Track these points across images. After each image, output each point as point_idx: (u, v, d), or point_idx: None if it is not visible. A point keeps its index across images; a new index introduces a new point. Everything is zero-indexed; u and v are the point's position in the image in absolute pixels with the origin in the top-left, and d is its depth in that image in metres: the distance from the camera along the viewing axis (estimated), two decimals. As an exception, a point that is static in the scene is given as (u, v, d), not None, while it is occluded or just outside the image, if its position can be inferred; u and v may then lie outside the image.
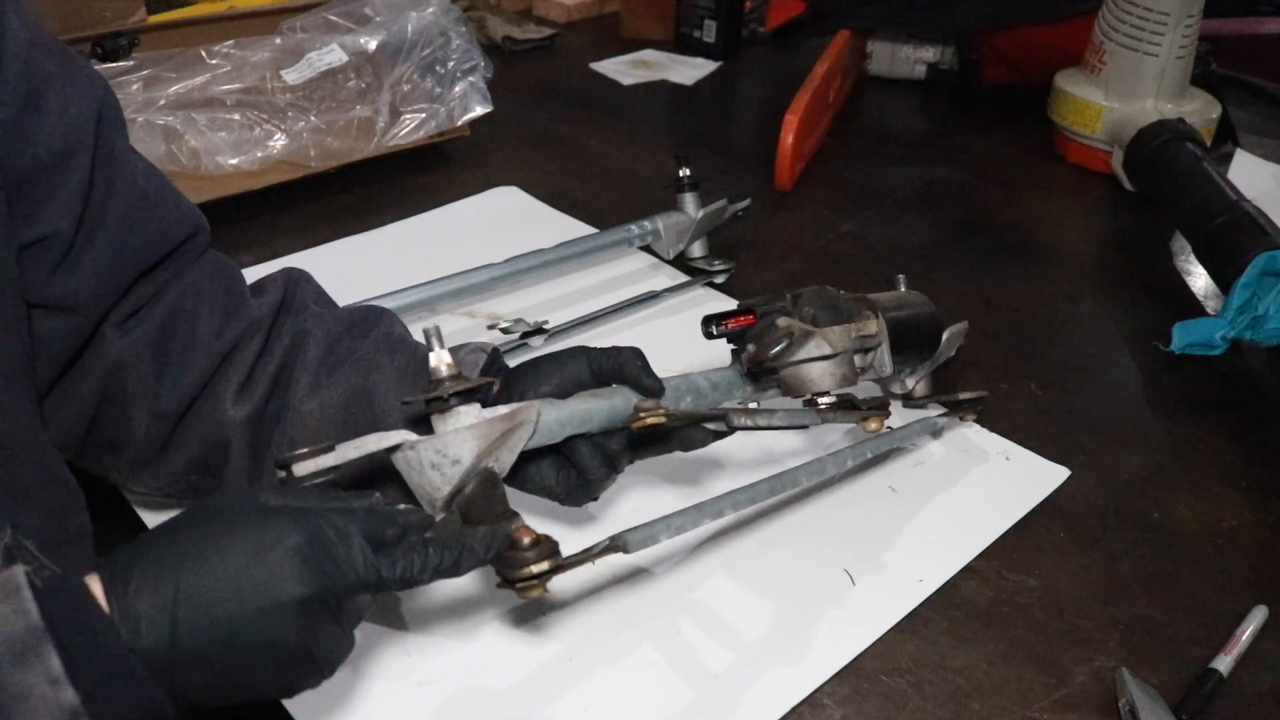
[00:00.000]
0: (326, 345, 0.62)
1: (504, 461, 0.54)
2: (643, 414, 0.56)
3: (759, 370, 0.67)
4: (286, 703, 0.57)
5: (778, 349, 0.65)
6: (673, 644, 0.61)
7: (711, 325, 0.71)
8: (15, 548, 0.45)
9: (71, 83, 0.53)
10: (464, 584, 0.65)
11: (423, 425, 0.54)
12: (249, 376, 0.60)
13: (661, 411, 0.56)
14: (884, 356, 0.70)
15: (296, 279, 0.66)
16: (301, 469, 0.48)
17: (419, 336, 0.87)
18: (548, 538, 0.49)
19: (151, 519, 0.67)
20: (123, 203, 0.55)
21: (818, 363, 0.66)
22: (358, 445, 0.50)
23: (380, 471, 0.59)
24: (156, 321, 0.58)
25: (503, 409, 0.54)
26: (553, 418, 0.56)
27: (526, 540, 0.49)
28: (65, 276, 0.52)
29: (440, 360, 0.52)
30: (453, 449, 0.51)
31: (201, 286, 0.60)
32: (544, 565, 0.48)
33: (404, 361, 0.61)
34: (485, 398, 0.55)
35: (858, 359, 0.69)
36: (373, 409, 0.60)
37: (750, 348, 0.67)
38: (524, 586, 0.49)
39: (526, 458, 0.58)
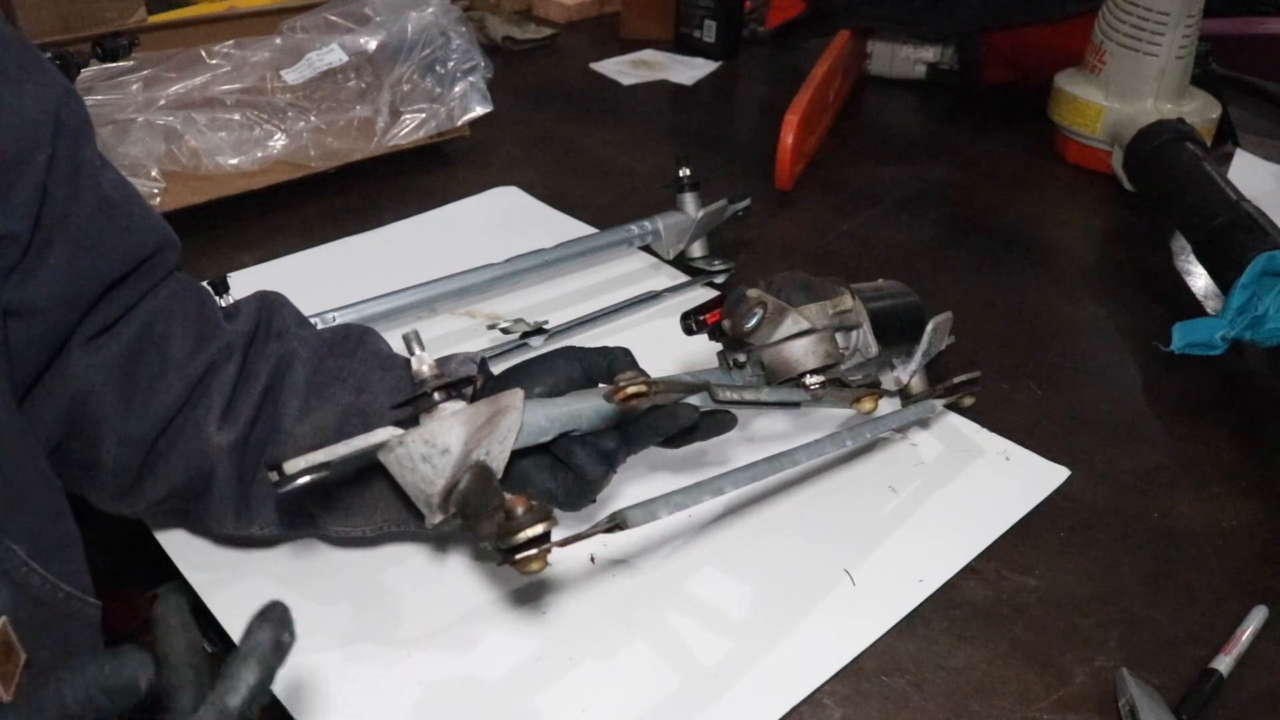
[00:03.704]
0: (313, 367, 0.61)
1: (496, 455, 0.54)
2: (623, 384, 0.55)
3: (738, 349, 0.66)
4: (285, 701, 0.57)
5: (753, 320, 0.65)
6: (672, 643, 0.61)
7: (690, 320, 0.71)
8: (2, 552, 0.43)
9: (30, 82, 0.51)
10: (461, 582, 0.65)
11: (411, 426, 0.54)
12: (231, 401, 0.59)
13: (642, 380, 0.55)
14: (867, 337, 0.70)
15: (272, 303, 0.65)
16: (292, 466, 0.48)
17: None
18: (541, 504, 0.49)
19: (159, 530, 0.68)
20: (86, 209, 0.54)
21: (798, 340, 0.66)
22: (347, 444, 0.50)
23: (372, 478, 0.59)
24: (125, 342, 0.57)
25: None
26: (541, 414, 0.56)
27: (520, 508, 0.49)
28: (25, 280, 0.51)
29: (422, 362, 0.53)
30: (440, 437, 0.51)
31: (173, 308, 0.59)
32: (539, 528, 0.48)
33: (395, 379, 0.61)
34: (471, 395, 0.55)
35: (839, 338, 0.69)
36: (367, 427, 0.59)
37: (725, 322, 0.66)
38: (524, 558, 0.48)
39: (522, 459, 0.58)
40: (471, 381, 0.55)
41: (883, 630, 0.63)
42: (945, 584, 0.66)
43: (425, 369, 0.53)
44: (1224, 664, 0.61)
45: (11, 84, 0.50)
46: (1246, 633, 0.63)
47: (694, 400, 0.62)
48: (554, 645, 0.61)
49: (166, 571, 0.66)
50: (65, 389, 0.55)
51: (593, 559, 0.66)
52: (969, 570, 0.68)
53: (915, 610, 0.64)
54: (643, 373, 0.60)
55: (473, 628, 0.62)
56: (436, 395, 0.53)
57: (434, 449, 0.51)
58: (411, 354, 0.54)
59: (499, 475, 0.54)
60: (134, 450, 0.58)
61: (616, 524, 0.53)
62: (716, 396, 0.61)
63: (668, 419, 0.61)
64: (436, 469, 0.52)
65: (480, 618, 0.62)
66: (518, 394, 0.55)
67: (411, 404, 0.54)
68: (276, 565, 0.65)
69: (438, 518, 0.53)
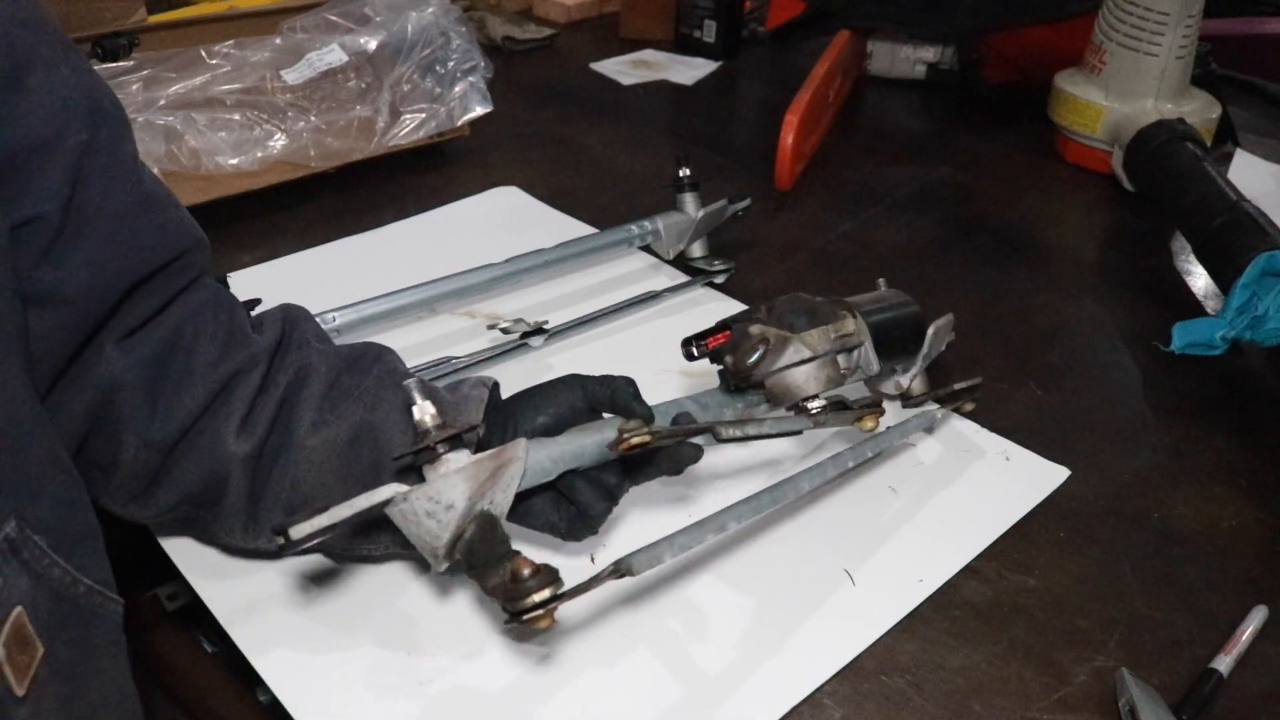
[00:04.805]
0: (329, 381, 0.61)
1: (500, 502, 0.54)
2: (627, 434, 0.55)
3: (741, 382, 0.67)
4: (286, 701, 0.57)
5: (755, 356, 0.65)
6: (671, 645, 0.61)
7: (691, 346, 0.71)
8: (21, 541, 0.43)
9: (65, 68, 0.51)
10: (464, 590, 0.65)
11: (415, 476, 0.54)
12: (251, 410, 0.59)
13: (645, 430, 0.56)
14: (869, 355, 0.70)
15: (295, 316, 0.65)
16: (298, 531, 0.48)
17: (418, 336, 0.87)
18: (547, 566, 0.49)
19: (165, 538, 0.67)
20: (122, 201, 0.54)
21: (800, 367, 0.66)
22: (351, 505, 0.50)
23: (378, 524, 0.59)
24: (155, 344, 0.57)
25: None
26: (544, 455, 0.57)
27: (527, 571, 0.49)
28: (55, 265, 0.51)
29: (424, 412, 0.53)
30: (445, 495, 0.51)
31: (204, 315, 0.60)
32: (545, 593, 0.48)
33: (408, 397, 0.61)
34: (474, 441, 0.55)
35: (841, 359, 0.69)
36: (378, 444, 0.59)
37: (728, 359, 0.66)
38: (530, 618, 0.49)
39: (526, 495, 0.58)
40: (475, 429, 0.55)
41: (883, 630, 0.63)
42: (945, 584, 0.66)
43: (428, 419, 0.53)
44: (1224, 664, 0.61)
45: (45, 67, 0.50)
46: (1246, 633, 0.63)
47: (697, 440, 0.62)
48: (554, 649, 0.61)
49: (167, 572, 0.66)
50: (94, 385, 0.55)
51: (593, 559, 0.67)
52: (969, 570, 0.68)
53: (915, 610, 0.64)
54: (645, 408, 0.60)
55: (474, 632, 0.62)
56: (440, 447, 0.52)
57: (438, 505, 0.51)
58: (413, 403, 0.53)
59: (503, 518, 0.54)
60: (153, 453, 0.58)
61: (621, 571, 0.53)
62: (720, 436, 0.61)
63: (670, 460, 0.62)
64: (441, 523, 0.52)
65: (481, 622, 0.62)
66: (521, 444, 0.55)
67: (414, 456, 0.53)
68: (280, 568, 0.65)
69: (443, 566, 0.53)
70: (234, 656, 0.61)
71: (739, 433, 0.62)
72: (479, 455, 0.53)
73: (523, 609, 0.48)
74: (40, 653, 0.44)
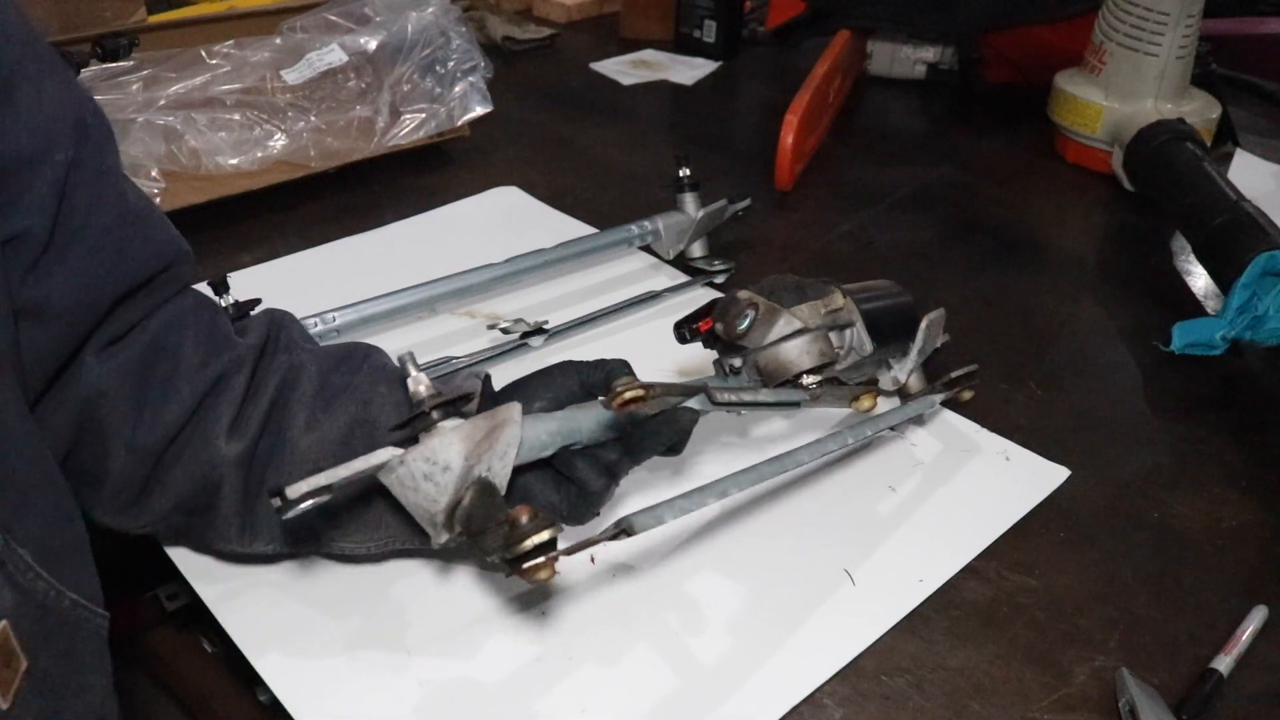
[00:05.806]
0: (320, 380, 0.61)
1: (498, 471, 0.54)
2: (619, 389, 0.55)
3: (732, 351, 0.66)
4: (286, 701, 0.57)
5: (745, 322, 0.65)
6: (671, 643, 0.61)
7: (683, 329, 0.71)
8: (7, 554, 0.43)
9: (51, 83, 0.51)
10: (462, 587, 0.65)
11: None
12: (240, 412, 0.59)
13: (639, 384, 0.55)
14: (861, 335, 0.70)
15: (280, 320, 0.65)
16: (294, 490, 0.48)
17: (418, 336, 0.87)
18: (545, 512, 0.49)
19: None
20: (108, 216, 0.54)
21: (792, 341, 0.66)
22: (348, 465, 0.50)
23: (375, 495, 0.59)
24: (137, 351, 0.57)
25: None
26: (541, 429, 0.57)
27: (525, 517, 0.48)
28: (42, 280, 0.51)
29: (419, 383, 0.53)
30: (441, 454, 0.51)
31: (185, 321, 0.59)
32: (544, 535, 0.48)
33: (401, 393, 0.61)
34: (471, 414, 0.55)
35: (834, 337, 0.69)
36: (373, 439, 0.59)
37: (718, 326, 0.66)
38: (531, 566, 0.48)
39: (524, 474, 0.58)
40: (470, 398, 0.55)
41: (883, 630, 0.63)
42: (945, 584, 0.66)
43: (422, 389, 0.53)
44: (1224, 664, 0.61)
45: (31, 82, 0.50)
46: (1246, 633, 0.63)
47: (692, 404, 0.62)
48: (554, 647, 0.61)
49: (166, 572, 0.66)
50: (77, 396, 0.55)
51: (593, 559, 0.66)
52: (969, 570, 0.68)
53: (915, 610, 0.64)
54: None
55: (474, 631, 0.62)
56: (434, 414, 0.53)
57: (435, 466, 0.51)
58: (408, 374, 0.53)
59: (501, 491, 0.54)
60: (141, 460, 0.57)
61: (623, 530, 0.53)
62: (715, 399, 0.61)
63: (668, 425, 0.61)
64: (439, 486, 0.51)
65: (481, 621, 0.62)
66: (515, 408, 0.55)
67: (410, 425, 0.53)
68: (280, 569, 0.65)
69: (443, 537, 0.53)
70: (234, 656, 0.61)
71: (734, 397, 0.61)
72: (473, 417, 0.53)
73: (523, 552, 0.47)
74: (24, 666, 0.43)
